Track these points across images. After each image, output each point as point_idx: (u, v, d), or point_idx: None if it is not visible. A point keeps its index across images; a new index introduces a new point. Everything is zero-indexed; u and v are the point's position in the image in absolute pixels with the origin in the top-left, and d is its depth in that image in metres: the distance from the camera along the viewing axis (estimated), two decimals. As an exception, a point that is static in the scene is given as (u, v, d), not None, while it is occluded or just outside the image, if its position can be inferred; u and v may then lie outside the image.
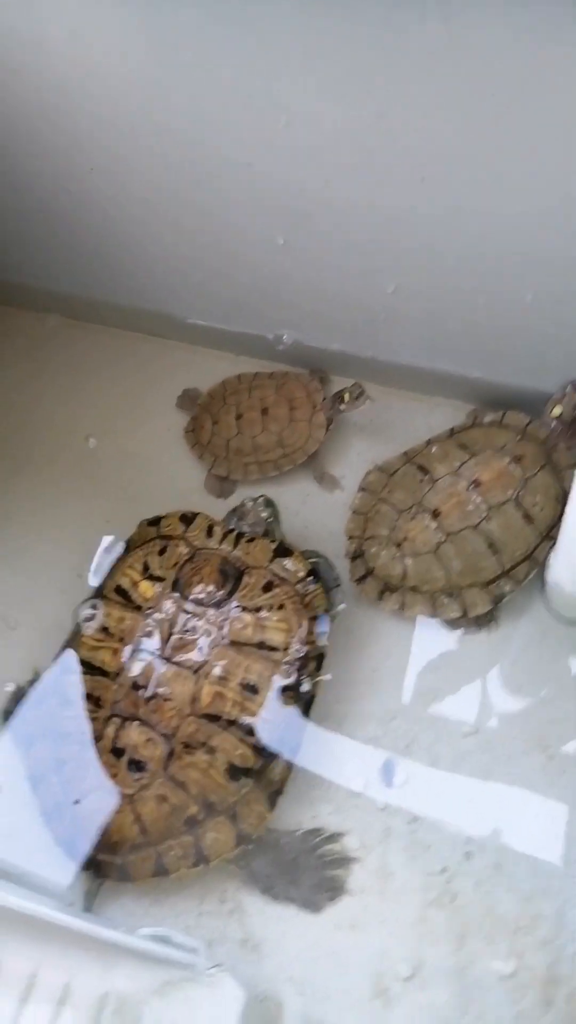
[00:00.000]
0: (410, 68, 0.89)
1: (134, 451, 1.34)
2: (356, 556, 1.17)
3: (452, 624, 1.13)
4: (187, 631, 1.03)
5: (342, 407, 1.27)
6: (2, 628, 1.19)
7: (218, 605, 1.04)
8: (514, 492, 1.12)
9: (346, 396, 1.26)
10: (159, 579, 1.07)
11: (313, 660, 1.03)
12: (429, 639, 1.15)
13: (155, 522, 1.15)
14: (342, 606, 1.13)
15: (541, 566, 1.13)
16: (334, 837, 1.01)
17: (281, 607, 1.04)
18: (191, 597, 1.04)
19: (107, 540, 1.22)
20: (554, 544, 1.10)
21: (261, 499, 1.17)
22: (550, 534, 1.12)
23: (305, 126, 0.98)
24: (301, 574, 1.07)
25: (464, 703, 1.10)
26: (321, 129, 0.98)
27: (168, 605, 1.05)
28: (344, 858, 1.00)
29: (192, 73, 0.97)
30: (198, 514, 1.15)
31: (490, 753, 1.07)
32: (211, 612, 1.03)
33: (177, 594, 1.05)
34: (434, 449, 1.19)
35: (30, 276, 1.38)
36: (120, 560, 1.13)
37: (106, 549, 1.20)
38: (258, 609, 1.03)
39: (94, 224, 1.23)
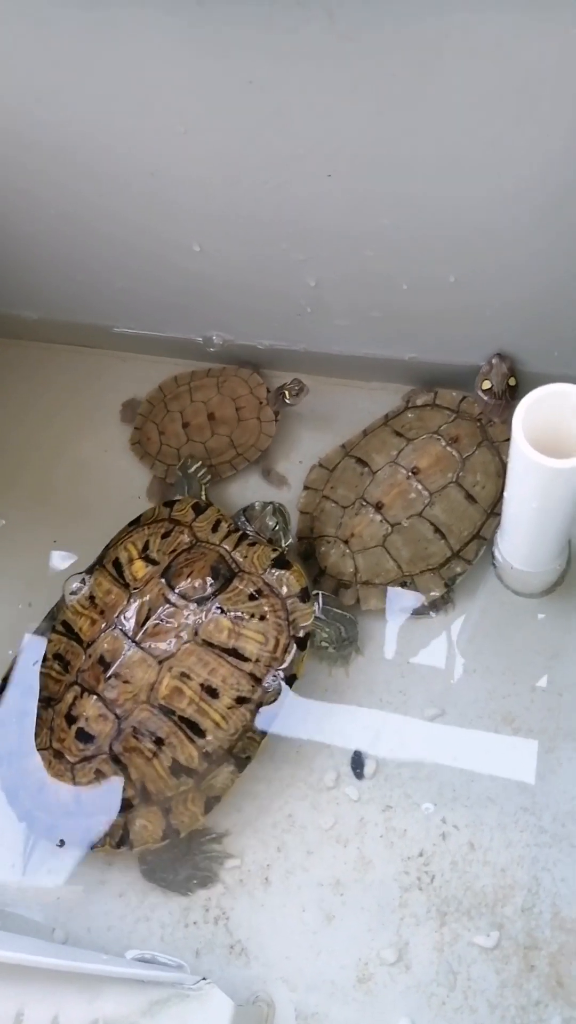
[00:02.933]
0: (302, 68, 0.87)
1: (78, 467, 1.33)
2: (308, 556, 1.17)
3: (408, 612, 1.15)
4: (164, 620, 1.03)
5: (286, 403, 1.26)
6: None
7: (201, 602, 1.04)
8: (454, 474, 1.13)
9: (287, 393, 1.26)
10: (154, 562, 1.08)
11: (284, 678, 1.03)
12: (388, 628, 1.16)
13: (170, 504, 1.16)
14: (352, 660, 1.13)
15: (490, 543, 1.15)
16: (218, 837, 1.04)
17: (262, 618, 1.04)
18: (177, 588, 1.05)
19: (59, 559, 1.22)
20: (499, 522, 1.11)
21: (270, 507, 1.15)
22: (495, 510, 1.14)
23: (204, 132, 0.97)
24: (294, 590, 1.06)
25: (428, 687, 1.12)
26: (220, 134, 0.96)
27: (153, 590, 1.05)
28: (222, 855, 1.03)
29: (85, 85, 0.95)
30: (210, 505, 1.15)
31: (457, 733, 1.09)
32: (192, 607, 1.04)
33: (165, 581, 1.05)
34: (370, 439, 1.19)
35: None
36: (126, 532, 1.13)
37: (61, 571, 1.20)
38: (239, 615, 1.04)
39: (9, 239, 1.21)
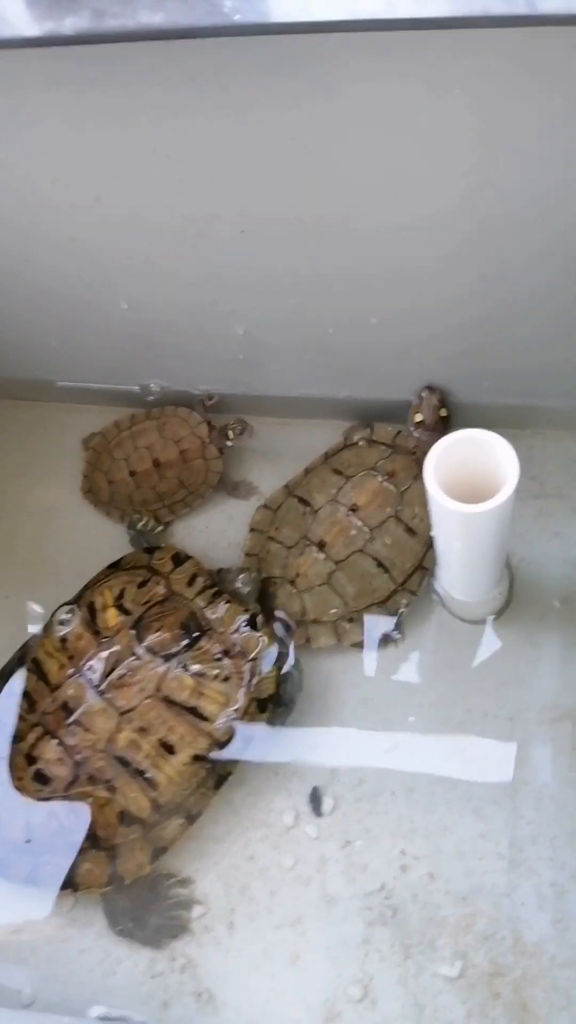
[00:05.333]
0: (202, 135, 0.90)
1: (29, 519, 1.35)
2: (258, 598, 1.19)
3: (358, 647, 1.16)
4: (129, 672, 1.05)
5: (228, 443, 1.29)
6: None
7: (168, 657, 1.06)
8: (392, 508, 1.15)
9: (230, 433, 1.28)
10: (127, 612, 1.10)
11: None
12: (340, 664, 1.18)
13: (151, 551, 1.18)
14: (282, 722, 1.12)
15: (432, 573, 1.16)
16: (184, 881, 1.05)
17: (226, 679, 1.06)
18: (146, 641, 1.07)
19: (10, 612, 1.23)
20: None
21: (244, 574, 1.16)
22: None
23: (116, 199, 0.99)
24: (261, 653, 1.08)
25: (382, 721, 1.14)
26: (132, 199, 0.99)
27: (122, 641, 1.07)
28: (189, 901, 1.04)
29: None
30: (190, 558, 1.16)
31: (410, 765, 1.11)
32: (158, 662, 1.06)
33: (135, 632, 1.07)
34: (311, 478, 1.21)
35: None
36: (105, 575, 1.15)
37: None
38: (203, 674, 1.05)
39: None
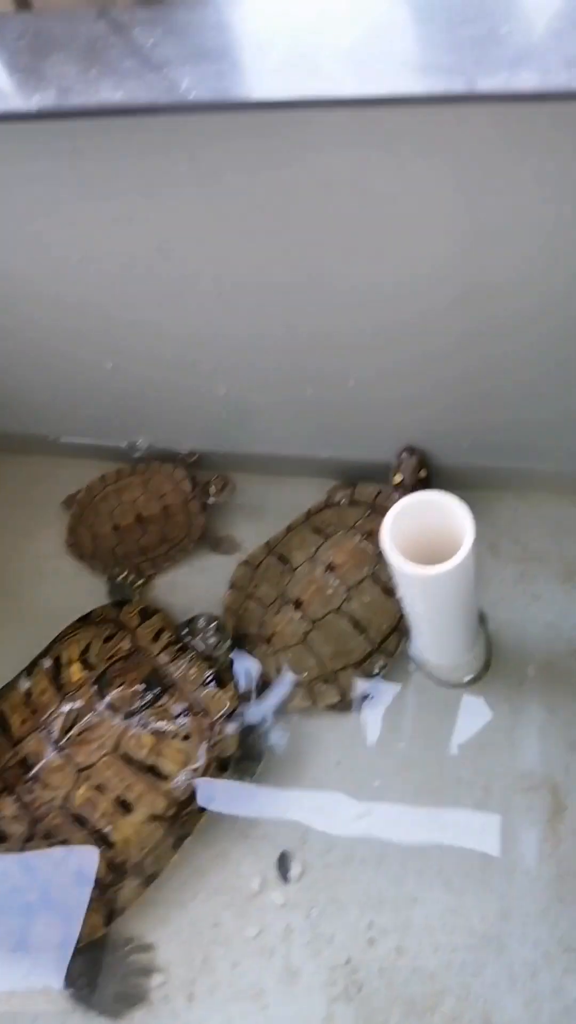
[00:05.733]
0: (175, 204, 0.93)
1: (14, 569, 1.36)
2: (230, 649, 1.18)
3: (334, 709, 1.15)
4: (89, 729, 1.05)
5: (210, 499, 1.30)
6: None
7: (129, 714, 1.05)
8: (369, 568, 1.14)
9: (211, 489, 1.29)
10: (91, 667, 1.09)
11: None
12: (314, 726, 1.15)
13: (120, 604, 1.17)
14: (251, 776, 1.11)
15: (408, 635, 1.15)
16: (145, 947, 1.02)
17: (186, 737, 1.05)
18: (108, 697, 1.06)
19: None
20: (415, 614, 1.12)
21: (213, 624, 1.15)
22: (415, 602, 1.15)
23: (96, 262, 1.02)
24: (224, 712, 1.07)
25: (355, 785, 1.11)
26: (112, 262, 1.02)
27: (85, 696, 1.07)
28: (149, 968, 1.01)
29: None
30: (157, 612, 1.16)
31: (381, 833, 1.08)
32: (118, 718, 1.05)
33: (97, 687, 1.07)
34: (292, 536, 1.21)
35: None
36: (73, 629, 1.16)
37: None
38: (163, 732, 1.05)
39: None
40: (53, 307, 1.10)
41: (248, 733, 1.09)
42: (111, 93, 0.73)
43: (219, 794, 1.06)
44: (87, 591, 1.30)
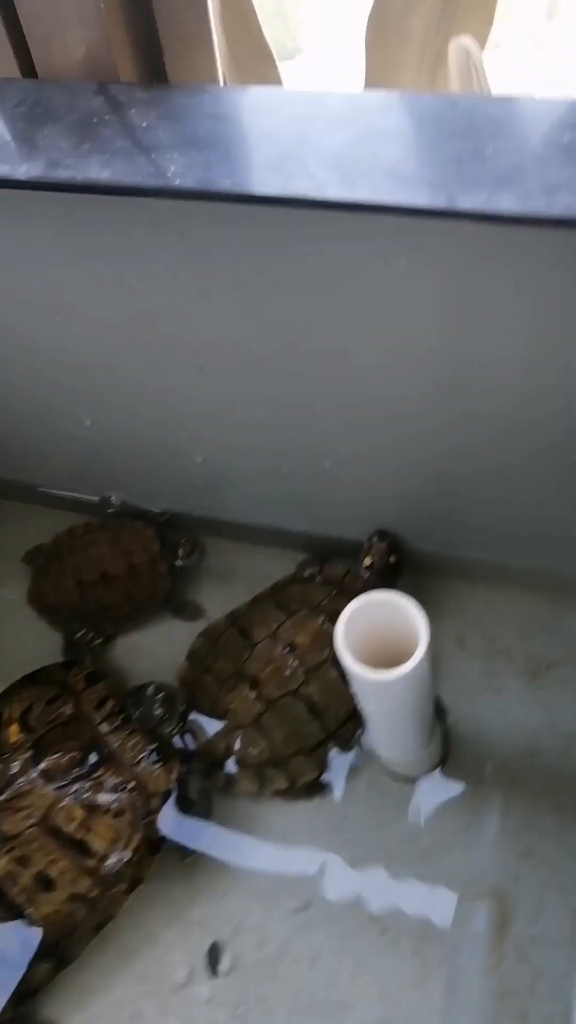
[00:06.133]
0: (162, 276, 0.92)
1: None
2: (185, 731, 1.15)
3: (282, 795, 1.11)
4: (20, 796, 1.00)
5: (178, 562, 1.28)
6: None
7: (62, 784, 1.02)
8: (330, 652, 1.12)
9: (180, 552, 1.27)
10: (30, 729, 1.05)
11: (127, 881, 0.99)
12: (260, 812, 1.12)
13: (69, 665, 1.14)
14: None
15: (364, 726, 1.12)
16: None
17: (119, 814, 1.01)
18: (41, 764, 1.02)
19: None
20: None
21: (162, 695, 1.13)
22: (375, 690, 1.12)
23: (79, 323, 1.01)
24: (161, 789, 1.03)
25: (296, 877, 1.07)
26: (95, 326, 1.01)
27: (18, 760, 1.02)
28: None
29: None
30: (104, 679, 1.13)
31: (321, 929, 1.04)
32: (50, 788, 1.01)
33: (33, 752, 1.03)
34: (255, 610, 1.19)
35: None
36: (19, 687, 1.11)
37: None
38: (95, 806, 1.00)
39: None
40: (36, 360, 1.09)
41: (188, 793, 1.07)
42: (99, 171, 0.73)
43: (157, 869, 1.02)
44: (46, 646, 1.28)
